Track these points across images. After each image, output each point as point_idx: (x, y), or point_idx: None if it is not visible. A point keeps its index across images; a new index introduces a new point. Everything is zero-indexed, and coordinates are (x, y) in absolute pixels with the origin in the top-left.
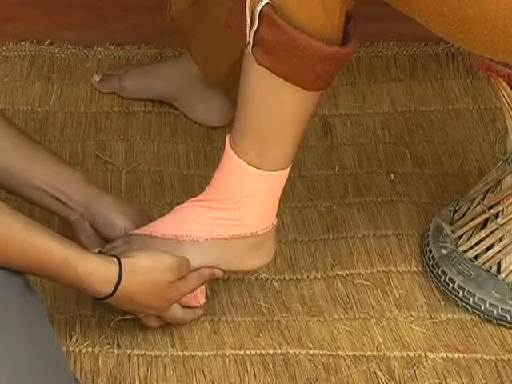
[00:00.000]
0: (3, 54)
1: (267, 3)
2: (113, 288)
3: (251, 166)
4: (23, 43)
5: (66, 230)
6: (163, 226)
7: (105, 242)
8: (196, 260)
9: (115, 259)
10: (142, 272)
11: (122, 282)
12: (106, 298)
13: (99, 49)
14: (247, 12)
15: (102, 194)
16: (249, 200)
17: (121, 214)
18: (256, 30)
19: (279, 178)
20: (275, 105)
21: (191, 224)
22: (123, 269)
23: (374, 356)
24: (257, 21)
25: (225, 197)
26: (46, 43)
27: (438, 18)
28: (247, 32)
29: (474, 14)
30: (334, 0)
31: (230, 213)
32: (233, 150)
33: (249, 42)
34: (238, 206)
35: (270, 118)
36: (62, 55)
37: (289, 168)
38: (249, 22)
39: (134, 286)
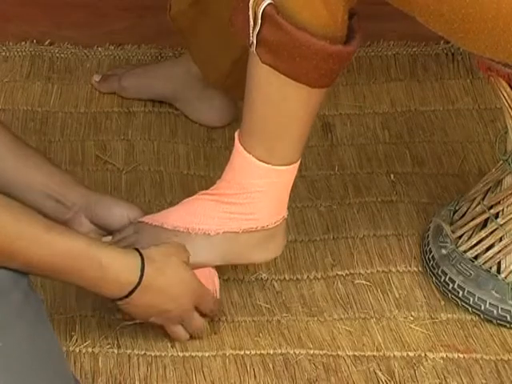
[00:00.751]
0: (3, 53)
1: (270, 3)
2: (139, 274)
3: (260, 161)
4: (23, 43)
5: None
6: (174, 218)
7: (105, 234)
8: (206, 253)
9: (131, 248)
10: (159, 256)
11: (145, 267)
12: (132, 291)
13: (99, 49)
14: (250, 12)
15: (99, 193)
16: (259, 195)
17: (121, 206)
18: (259, 30)
19: (289, 173)
20: (281, 102)
21: (203, 217)
22: (143, 255)
23: (374, 356)
24: (259, 21)
25: (236, 192)
26: (46, 43)
27: (438, 17)
28: (250, 32)
29: (475, 14)
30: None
31: (241, 207)
32: (242, 145)
33: (252, 42)
34: (248, 200)
35: (276, 115)
36: (62, 55)
37: (298, 162)
38: (252, 23)
39: (157, 271)
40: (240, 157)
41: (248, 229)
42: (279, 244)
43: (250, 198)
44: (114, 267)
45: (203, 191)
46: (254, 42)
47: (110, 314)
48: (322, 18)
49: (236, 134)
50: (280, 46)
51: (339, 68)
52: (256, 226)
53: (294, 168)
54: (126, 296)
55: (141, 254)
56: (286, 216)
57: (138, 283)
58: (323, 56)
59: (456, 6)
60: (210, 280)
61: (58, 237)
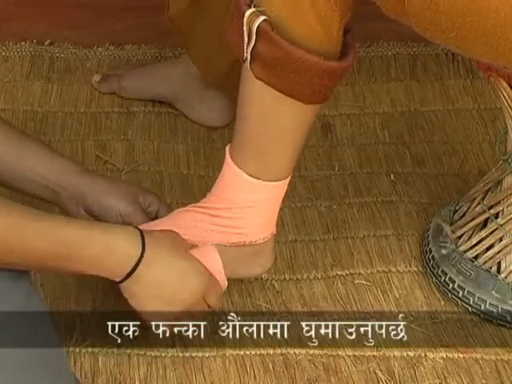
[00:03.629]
0: (3, 53)
1: (264, 19)
2: (140, 244)
3: (251, 176)
4: (23, 43)
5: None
6: (163, 228)
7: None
8: None
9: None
10: (158, 233)
11: (145, 238)
12: (136, 265)
13: (99, 49)
14: (244, 28)
15: (94, 179)
16: (250, 210)
17: (113, 197)
18: (253, 46)
19: (280, 188)
20: (274, 117)
21: (191, 229)
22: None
23: (373, 356)
24: (254, 37)
25: (226, 206)
26: (46, 43)
27: (435, 27)
28: (245, 47)
29: (473, 23)
30: (332, 15)
31: (230, 221)
32: (232, 160)
33: (246, 58)
34: (238, 215)
35: (269, 131)
36: (62, 55)
37: (289, 177)
38: (246, 39)
39: (159, 244)
40: (231, 172)
41: (236, 243)
42: (267, 260)
43: (240, 212)
44: (114, 240)
45: (193, 204)
46: (248, 57)
47: (110, 314)
48: (316, 34)
49: (227, 149)
50: (274, 62)
51: (333, 84)
52: (244, 241)
53: (284, 184)
54: (130, 273)
55: (138, 228)
56: (274, 232)
57: (141, 255)
58: (318, 72)
59: (453, 16)
60: (211, 262)
61: (51, 222)
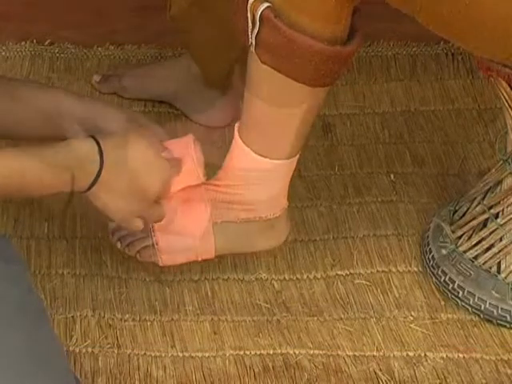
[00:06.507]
0: (3, 54)
1: (268, 6)
2: (97, 149)
3: (258, 154)
4: (23, 43)
5: None
6: None
7: None
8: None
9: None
10: (116, 137)
11: (100, 143)
12: (99, 172)
13: (99, 49)
14: (248, 14)
15: (90, 104)
16: (257, 187)
17: (109, 120)
18: (257, 32)
19: (287, 166)
20: (281, 100)
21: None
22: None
23: (373, 356)
24: (258, 24)
25: (234, 183)
26: (46, 43)
27: (438, 18)
28: (249, 34)
29: (475, 15)
30: (337, 1)
31: (239, 197)
32: (240, 138)
33: (251, 43)
34: (247, 192)
35: (276, 113)
36: (62, 55)
37: (297, 156)
38: (250, 25)
39: (116, 147)
40: (238, 149)
41: (246, 219)
42: (280, 233)
43: (249, 189)
44: (70, 161)
45: (205, 181)
46: (253, 43)
47: (111, 314)
48: (320, 20)
49: (236, 126)
50: (278, 48)
51: (340, 68)
52: (254, 216)
53: (292, 162)
54: (94, 182)
55: (93, 137)
56: (285, 207)
57: (101, 166)
58: (322, 57)
59: (456, 8)
60: (186, 151)
61: (3, 160)
